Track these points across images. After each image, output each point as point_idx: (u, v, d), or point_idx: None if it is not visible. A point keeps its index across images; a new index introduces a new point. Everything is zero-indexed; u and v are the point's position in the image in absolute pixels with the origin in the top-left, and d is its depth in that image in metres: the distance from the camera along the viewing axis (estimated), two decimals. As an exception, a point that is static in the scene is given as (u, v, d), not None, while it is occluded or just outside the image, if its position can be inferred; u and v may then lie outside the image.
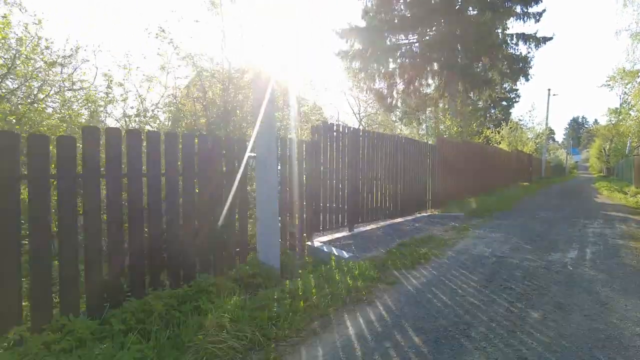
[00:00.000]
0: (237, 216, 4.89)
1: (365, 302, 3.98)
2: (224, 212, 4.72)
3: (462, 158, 13.58)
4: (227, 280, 4.23)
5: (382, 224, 8.54)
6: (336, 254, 5.47)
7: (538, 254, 5.97)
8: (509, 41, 23.05)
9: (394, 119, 27.11)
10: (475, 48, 22.08)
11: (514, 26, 30.18)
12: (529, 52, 23.57)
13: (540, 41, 22.51)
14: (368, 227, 7.94)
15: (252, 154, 4.99)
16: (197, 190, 4.42)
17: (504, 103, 54.71)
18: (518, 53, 23.37)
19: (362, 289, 4.23)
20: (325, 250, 5.64)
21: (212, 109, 5.57)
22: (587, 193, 19.82)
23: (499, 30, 22.95)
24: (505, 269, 5.13)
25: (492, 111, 54.54)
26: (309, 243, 6.05)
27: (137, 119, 5.89)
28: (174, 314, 3.54)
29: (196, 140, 4.37)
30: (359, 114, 16.17)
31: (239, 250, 4.88)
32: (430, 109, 26.32)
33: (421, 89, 26.03)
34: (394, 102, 25.88)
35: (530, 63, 23.45)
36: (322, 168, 6.54)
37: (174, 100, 6.04)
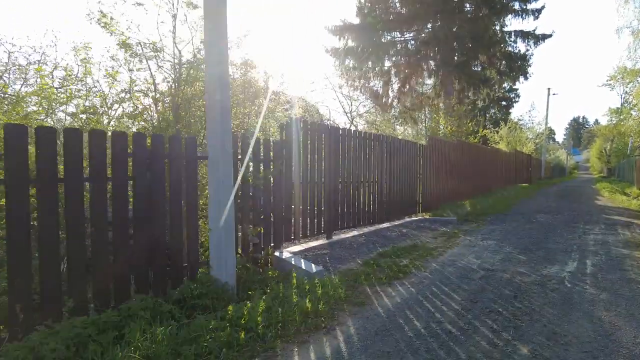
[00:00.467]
0: (185, 225, 4.26)
1: (324, 330, 3.35)
2: (168, 220, 4.10)
3: (457, 159, 12.96)
4: (165, 302, 3.61)
5: (366, 229, 7.91)
6: (304, 267, 4.84)
7: (532, 267, 5.34)
8: (507, 39, 22.43)
9: (389, 118, 26.48)
10: (472, 46, 21.48)
11: (512, 23, 28.18)
12: (527, 50, 22.96)
13: (539, 39, 21.89)
14: (350, 234, 7.31)
15: (204, 155, 4.38)
16: (131, 196, 3.80)
17: (503, 103, 54.10)
18: (517, 51, 22.75)
19: (323, 314, 3.60)
20: (293, 262, 5.01)
21: (161, 104, 4.96)
22: (587, 195, 19.19)
23: (497, 28, 22.32)
24: (493, 286, 4.49)
25: (492, 111, 54.04)
26: (277, 254, 5.42)
27: (84, 116, 5.27)
28: (90, 346, 2.93)
29: (130, 139, 3.74)
30: (350, 112, 15.49)
31: (186, 265, 4.26)
32: (427, 108, 25.75)
33: (417, 88, 25.46)
34: (389, 101, 25.28)
35: (529, 61, 22.83)
36: (293, 170, 5.92)
37: (127, 95, 5.42)
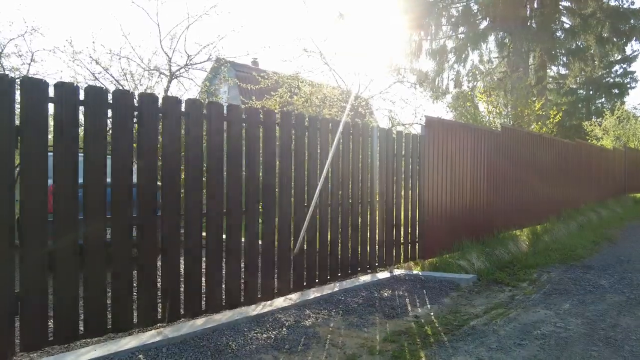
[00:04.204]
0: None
1: None
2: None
3: (498, 157, 7.68)
4: None
5: (199, 324, 3.48)
6: None
7: None
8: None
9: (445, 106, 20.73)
10: (552, 2, 15.28)
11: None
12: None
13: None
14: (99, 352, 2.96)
15: None
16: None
17: (615, 91, 43.75)
18: (627, 5, 15.96)
19: None
20: None
21: None
22: None
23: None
24: None
25: (598, 102, 44.00)
26: None
27: None
28: None
29: None
30: (357, 95, 10.67)
31: None
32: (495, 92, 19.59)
33: (481, 67, 19.63)
34: (444, 84, 19.68)
35: (646, 17, 15.84)
36: None
37: None
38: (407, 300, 4.47)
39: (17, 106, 2.80)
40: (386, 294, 4.62)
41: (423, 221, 5.87)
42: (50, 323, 2.86)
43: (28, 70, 9.40)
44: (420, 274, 5.35)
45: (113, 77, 8.48)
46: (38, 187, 2.75)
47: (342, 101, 10.35)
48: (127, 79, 8.92)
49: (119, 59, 8.77)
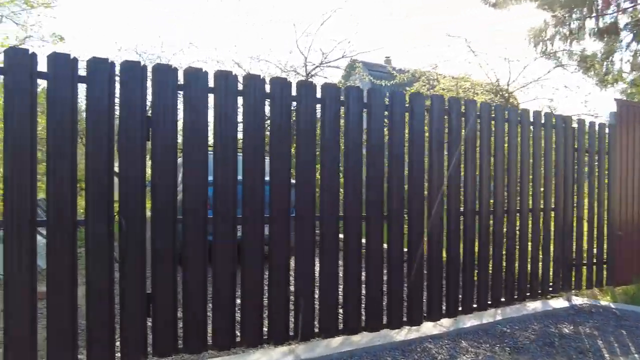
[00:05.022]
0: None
1: None
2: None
3: None
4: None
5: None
6: None
7: None
8: None
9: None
10: None
11: None
12: None
13: None
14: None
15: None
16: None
17: None
18: None
19: None
20: None
21: None
22: None
23: None
24: None
25: None
26: None
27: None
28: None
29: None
30: (507, 83, 8.99)
31: None
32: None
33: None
34: (615, 68, 16.17)
35: None
36: None
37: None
38: (600, 342, 3.34)
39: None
40: (567, 330, 3.54)
41: (613, 236, 4.52)
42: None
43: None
44: (612, 305, 4.08)
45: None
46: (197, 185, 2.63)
47: (490, 92, 9.06)
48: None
49: (258, 61, 9.02)
